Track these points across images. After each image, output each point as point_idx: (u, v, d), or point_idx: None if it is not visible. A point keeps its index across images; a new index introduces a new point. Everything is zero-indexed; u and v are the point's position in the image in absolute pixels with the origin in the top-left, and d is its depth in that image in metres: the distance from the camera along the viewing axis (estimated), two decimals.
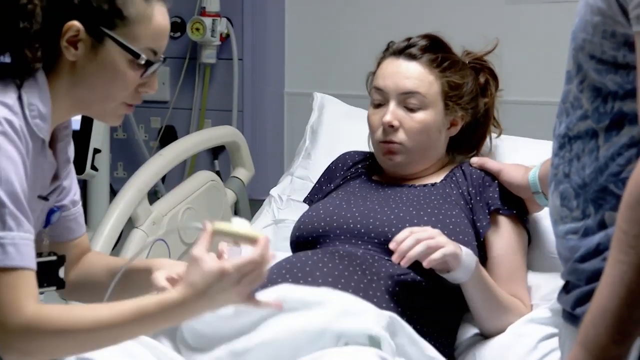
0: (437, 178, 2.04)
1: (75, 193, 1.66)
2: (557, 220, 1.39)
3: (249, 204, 2.76)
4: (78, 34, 1.40)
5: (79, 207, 1.68)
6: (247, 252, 1.42)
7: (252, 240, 1.41)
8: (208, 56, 3.26)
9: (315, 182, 2.25)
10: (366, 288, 1.78)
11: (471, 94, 2.07)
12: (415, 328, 1.72)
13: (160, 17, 1.46)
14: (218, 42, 3.23)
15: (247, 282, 1.39)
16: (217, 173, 3.15)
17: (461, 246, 1.79)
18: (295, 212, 2.23)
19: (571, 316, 1.36)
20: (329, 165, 2.20)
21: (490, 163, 2.03)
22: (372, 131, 2.06)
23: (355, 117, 2.54)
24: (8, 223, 1.31)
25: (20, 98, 1.38)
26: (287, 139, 3.25)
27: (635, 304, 1.15)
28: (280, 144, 3.27)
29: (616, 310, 1.15)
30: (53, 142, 1.51)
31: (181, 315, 1.40)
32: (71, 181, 1.65)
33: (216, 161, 3.31)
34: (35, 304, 1.34)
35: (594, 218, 1.30)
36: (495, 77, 2.16)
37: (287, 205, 2.41)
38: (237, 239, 1.43)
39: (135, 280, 1.59)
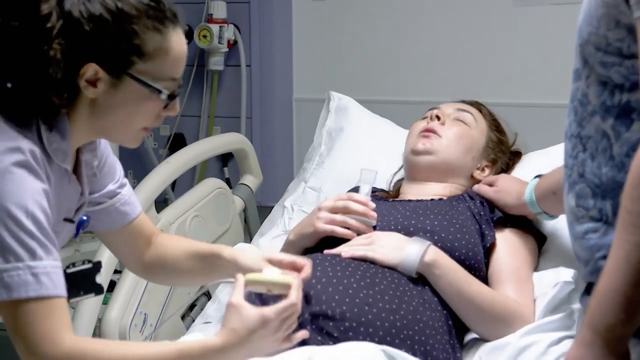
0: (445, 197, 2.07)
1: (117, 180, 1.64)
2: (572, 221, 1.38)
3: (258, 211, 2.74)
4: (97, 74, 1.37)
5: (126, 189, 1.66)
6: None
7: (284, 287, 1.52)
8: (216, 63, 3.26)
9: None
10: (382, 283, 1.77)
11: (506, 155, 2.18)
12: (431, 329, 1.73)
13: (177, 46, 1.42)
14: (225, 49, 3.22)
15: (286, 326, 1.50)
16: (227, 180, 3.13)
17: (405, 252, 1.80)
18: None
19: None
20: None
21: (482, 189, 2.03)
22: (412, 132, 2.14)
23: (380, 127, 2.52)
24: (38, 252, 1.32)
25: (39, 130, 1.38)
26: (297, 145, 3.24)
27: None
28: (290, 150, 3.26)
29: (622, 289, 1.15)
30: (77, 162, 1.51)
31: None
32: (105, 177, 1.62)
33: (225, 168, 3.30)
34: (72, 335, 1.36)
35: (613, 216, 1.29)
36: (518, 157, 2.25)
37: (297, 215, 2.38)
38: (270, 286, 1.54)
39: (217, 265, 1.67)
